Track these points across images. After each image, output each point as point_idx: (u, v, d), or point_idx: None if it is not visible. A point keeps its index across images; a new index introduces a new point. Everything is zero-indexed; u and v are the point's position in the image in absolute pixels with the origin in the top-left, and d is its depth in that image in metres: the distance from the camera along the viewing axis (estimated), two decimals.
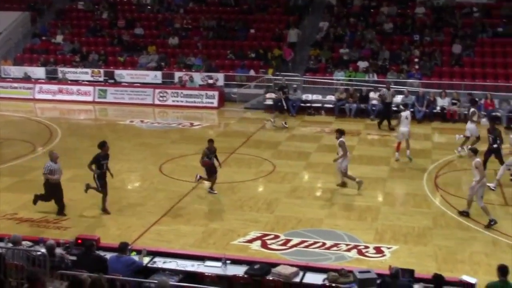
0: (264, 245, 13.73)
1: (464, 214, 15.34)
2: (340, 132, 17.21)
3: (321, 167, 19.60)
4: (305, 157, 20.76)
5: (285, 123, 25.25)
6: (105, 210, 15.39)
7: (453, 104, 26.36)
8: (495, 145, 18.10)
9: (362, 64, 29.64)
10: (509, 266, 10.27)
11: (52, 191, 15.18)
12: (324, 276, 10.47)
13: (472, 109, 21.12)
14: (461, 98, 26.52)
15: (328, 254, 13.34)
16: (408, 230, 14.66)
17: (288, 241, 13.93)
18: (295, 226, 14.78)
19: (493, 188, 17.12)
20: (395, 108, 26.85)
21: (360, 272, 10.43)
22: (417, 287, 10.05)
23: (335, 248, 13.60)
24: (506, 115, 25.76)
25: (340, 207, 16.17)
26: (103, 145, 15.35)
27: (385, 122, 25.05)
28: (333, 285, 10.20)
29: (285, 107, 25.89)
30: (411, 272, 10.46)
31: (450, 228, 14.87)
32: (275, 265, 10.77)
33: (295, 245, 13.71)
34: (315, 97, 28.41)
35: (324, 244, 13.80)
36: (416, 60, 29.71)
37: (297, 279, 10.44)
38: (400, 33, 31.88)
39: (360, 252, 13.45)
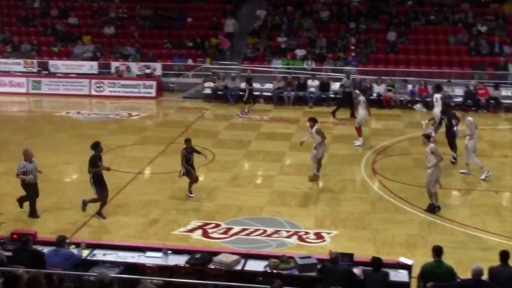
0: (205, 234, 13.72)
1: (436, 209, 14.86)
2: (313, 120, 17.04)
3: (261, 155, 19.69)
4: (244, 146, 20.80)
5: (246, 112, 25.19)
6: (100, 214, 14.54)
7: (389, 90, 26.86)
8: (454, 128, 18.64)
9: (300, 52, 29.84)
10: (444, 247, 10.59)
11: (31, 191, 14.51)
12: (265, 263, 10.52)
13: (436, 95, 21.40)
14: (396, 85, 27.05)
15: (269, 241, 13.43)
16: (347, 215, 14.90)
17: (229, 229, 13.96)
18: (236, 214, 14.83)
19: (468, 172, 17.60)
20: (332, 95, 27.36)
21: (300, 257, 10.54)
22: (357, 270, 10.20)
23: (276, 235, 13.71)
24: (421, 101, 26.41)
25: (281, 195, 16.28)
26: (96, 146, 14.61)
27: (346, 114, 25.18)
28: (274, 271, 10.26)
29: (251, 99, 25.73)
30: (350, 256, 10.62)
31: (388, 212, 15.19)
32: (217, 253, 10.75)
33: (236, 233, 13.76)
34: (253, 85, 28.39)
35: (265, 231, 13.89)
36: (353, 47, 30.12)
37: (239, 267, 10.46)
38: (336, 21, 32.23)
39: (300, 238, 13.60)
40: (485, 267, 10.23)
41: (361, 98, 21.19)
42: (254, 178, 17.67)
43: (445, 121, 19.07)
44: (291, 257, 10.62)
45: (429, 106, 26.23)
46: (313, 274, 10.30)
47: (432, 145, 14.87)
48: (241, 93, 27.17)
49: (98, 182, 14.43)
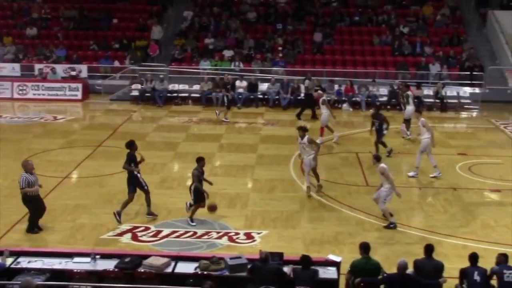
0: (135, 237, 13.56)
1: (391, 226, 14.30)
2: (303, 130, 16.10)
3: (190, 157, 19.47)
4: (173, 147, 20.67)
5: (219, 113, 24.78)
6: (151, 214, 14.57)
7: (316, 90, 27.19)
8: (384, 131, 19.23)
9: (228, 53, 29.89)
10: (372, 243, 10.85)
11: (35, 204, 13.66)
12: (195, 264, 10.50)
13: (405, 93, 21.97)
14: (323, 85, 27.45)
15: (199, 242, 13.40)
16: (277, 214, 15.03)
17: (159, 232, 13.84)
18: (165, 216, 14.72)
19: (415, 175, 17.86)
20: (260, 95, 27.53)
21: (231, 258, 10.57)
22: (286, 269, 10.31)
23: (206, 237, 13.70)
24: (365, 100, 26.96)
25: (210, 196, 16.14)
26: (131, 145, 14.48)
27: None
28: (205, 273, 10.26)
29: (226, 103, 25.11)
30: (280, 255, 10.72)
31: (317, 211, 15.42)
32: (146, 257, 10.66)
33: (166, 236, 13.67)
34: (181, 87, 28.31)
35: (195, 233, 13.85)
36: (280, 48, 30.38)
37: (169, 270, 10.40)
38: (263, 22, 32.45)
39: (231, 239, 13.63)
40: (411, 261, 10.56)
41: (324, 97, 21.60)
42: (183, 180, 17.55)
43: (376, 125, 19.33)
44: (222, 258, 10.64)
45: (355, 105, 26.88)
46: (244, 274, 10.35)
47: (381, 165, 14.38)
48: (197, 95, 27.50)
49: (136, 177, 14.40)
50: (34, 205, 13.65)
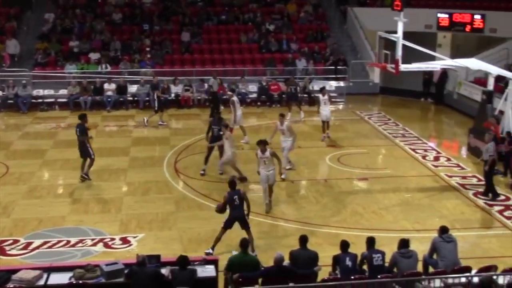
0: (2, 252, 12.91)
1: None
2: (264, 143, 15.08)
3: (59, 164, 18.97)
4: (41, 155, 19.85)
5: (147, 120, 23.81)
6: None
7: (186, 90, 27.18)
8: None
9: (94, 56, 29.09)
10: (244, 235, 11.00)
11: None
12: (70, 274, 10.15)
13: (321, 96, 21.80)
14: (193, 84, 27.46)
15: (73, 251, 13.00)
16: (152, 217, 14.88)
17: (29, 244, 13.28)
18: (35, 227, 14.14)
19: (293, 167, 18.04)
20: (130, 97, 27.05)
21: (107, 265, 10.33)
22: (164, 271, 10.21)
23: (80, 245, 13.32)
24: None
25: (83, 202, 15.82)
26: (83, 116, 17.55)
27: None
28: (80, 282, 9.94)
29: (156, 107, 24.08)
30: (157, 257, 10.61)
31: (192, 210, 15.41)
32: (16, 271, 10.16)
33: (37, 247, 13.15)
34: (46, 92, 27.21)
35: (68, 242, 13.42)
36: (148, 49, 29.99)
37: (41, 282, 9.98)
38: (129, 23, 31.86)
39: (106, 245, 13.35)
40: (287, 253, 10.80)
41: (234, 98, 21.38)
42: (53, 188, 16.96)
43: (215, 130, 18.14)
44: (97, 265, 10.38)
45: (226, 103, 27.02)
46: (121, 280, 10.15)
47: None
48: (64, 100, 26.51)
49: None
50: None
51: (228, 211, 12.95)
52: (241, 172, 17.19)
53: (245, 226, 12.78)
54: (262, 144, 15.01)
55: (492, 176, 16.50)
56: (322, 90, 22.31)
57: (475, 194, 16.63)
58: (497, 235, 14.23)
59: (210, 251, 12.60)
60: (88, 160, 17.34)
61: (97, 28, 30.85)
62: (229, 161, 17.22)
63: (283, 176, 16.86)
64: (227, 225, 12.78)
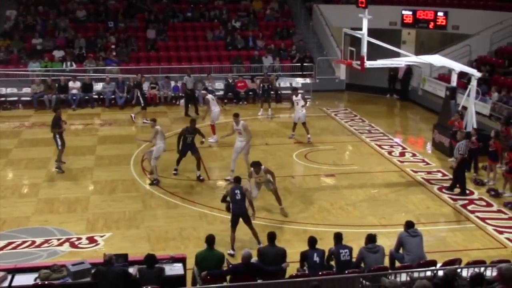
0: None
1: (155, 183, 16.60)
2: (258, 165, 14.58)
3: (24, 163, 18.72)
4: (4, 154, 19.52)
5: (135, 116, 23.78)
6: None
7: (153, 88, 26.99)
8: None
9: (58, 54, 28.71)
10: (216, 236, 11.01)
11: None
12: (35, 275, 10.03)
13: (294, 97, 21.57)
14: (159, 82, 27.29)
15: (39, 252, 12.85)
16: (120, 215, 14.78)
17: None
18: (0, 228, 13.90)
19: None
20: (95, 96, 26.79)
21: (73, 265, 10.25)
22: (132, 270, 10.16)
23: (46, 245, 13.17)
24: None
25: (48, 202, 15.62)
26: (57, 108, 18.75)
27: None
28: (46, 282, 9.82)
29: (141, 103, 23.97)
30: (125, 256, 10.56)
31: (160, 208, 15.35)
32: None
33: (1, 248, 12.95)
34: (9, 90, 26.76)
35: (33, 242, 13.26)
36: (113, 46, 29.71)
37: (6, 284, 9.84)
38: (94, 20, 31.53)
39: (73, 245, 13.23)
40: (255, 250, 10.83)
41: (209, 96, 21.37)
42: (18, 188, 16.72)
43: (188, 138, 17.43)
44: (63, 266, 10.28)
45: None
46: (88, 279, 10.07)
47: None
48: (28, 98, 26.00)
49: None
50: None
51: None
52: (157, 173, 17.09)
53: (247, 221, 12.96)
54: (257, 166, 14.56)
55: (464, 173, 16.71)
56: (293, 91, 22.27)
57: (440, 189, 16.87)
58: (461, 229, 14.47)
59: (232, 252, 12.64)
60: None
61: (60, 25, 30.45)
62: (157, 155, 16.98)
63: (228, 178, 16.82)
64: (233, 223, 12.89)
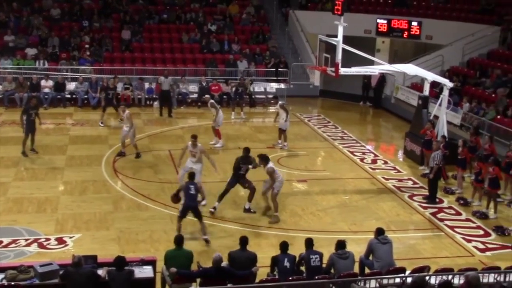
0: None
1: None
2: (264, 159, 15.18)
3: None
4: None
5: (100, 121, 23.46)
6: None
7: (126, 89, 26.82)
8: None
9: (31, 51, 28.39)
10: (188, 239, 11.00)
11: None
12: (2, 275, 9.88)
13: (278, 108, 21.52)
14: (133, 83, 27.12)
15: (6, 252, 12.66)
16: (90, 216, 14.65)
17: None
18: None
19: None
20: (68, 95, 26.53)
21: (41, 266, 10.10)
22: (101, 271, 10.06)
23: (13, 245, 12.99)
24: (176, 97, 27.02)
25: (17, 201, 15.41)
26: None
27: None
28: (12, 283, 9.67)
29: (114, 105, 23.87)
30: (94, 258, 10.44)
31: (131, 210, 15.25)
32: None
33: None
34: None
35: (1, 242, 13.07)
36: (87, 46, 29.46)
37: None
38: (68, 19, 31.24)
39: (41, 246, 13.07)
40: (226, 253, 10.81)
41: (212, 101, 21.39)
42: None
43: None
44: (31, 266, 10.13)
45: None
46: (56, 281, 9.94)
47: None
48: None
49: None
50: None
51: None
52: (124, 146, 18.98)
53: (197, 215, 13.51)
54: (265, 160, 15.19)
55: (437, 183, 16.86)
56: (274, 100, 22.14)
57: (410, 197, 17.02)
58: (430, 237, 14.63)
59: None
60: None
61: (34, 23, 30.12)
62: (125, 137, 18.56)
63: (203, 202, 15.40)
64: (182, 214, 13.48)
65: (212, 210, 15.09)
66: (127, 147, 19.41)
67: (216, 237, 13.81)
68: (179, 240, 10.84)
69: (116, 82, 25.18)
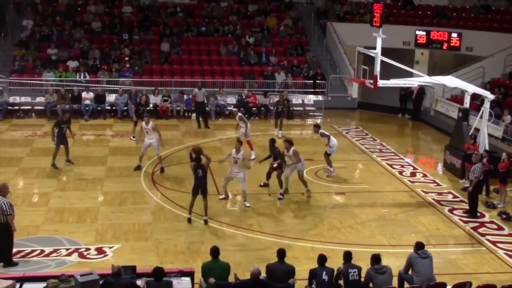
0: None
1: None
2: (290, 142, 17.34)
3: (35, 172, 18.78)
4: (16, 163, 19.62)
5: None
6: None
7: (165, 101, 27.11)
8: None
9: (72, 64, 28.93)
10: (225, 251, 11.02)
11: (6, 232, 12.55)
12: (43, 284, 10.03)
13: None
14: (172, 95, 27.39)
15: (47, 261, 12.86)
16: (129, 227, 14.78)
17: None
18: None
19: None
20: (108, 107, 26.91)
21: (81, 275, 10.19)
22: (140, 282, 10.13)
23: (55, 254, 13.18)
24: (214, 109, 27.21)
25: (58, 212, 15.65)
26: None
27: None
28: None
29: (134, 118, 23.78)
30: (133, 268, 10.54)
31: (169, 221, 15.33)
32: None
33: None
34: (23, 99, 26.96)
35: (42, 251, 13.28)
36: (127, 58, 29.89)
37: None
38: (109, 32, 31.78)
39: (81, 255, 13.23)
40: (264, 266, 10.78)
41: (240, 114, 21.55)
42: (28, 197, 16.76)
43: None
44: (71, 276, 10.25)
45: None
46: None
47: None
48: (41, 107, 26.15)
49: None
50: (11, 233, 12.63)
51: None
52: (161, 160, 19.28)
53: (204, 193, 15.11)
54: (287, 143, 17.34)
55: (477, 196, 16.60)
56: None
57: (450, 210, 16.78)
58: (472, 252, 14.37)
59: (189, 216, 15.25)
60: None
61: (75, 36, 30.69)
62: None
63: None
64: (194, 192, 15.13)
65: (281, 196, 17.20)
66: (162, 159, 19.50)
67: (254, 249, 13.80)
68: (215, 252, 10.84)
69: (156, 94, 25.44)
